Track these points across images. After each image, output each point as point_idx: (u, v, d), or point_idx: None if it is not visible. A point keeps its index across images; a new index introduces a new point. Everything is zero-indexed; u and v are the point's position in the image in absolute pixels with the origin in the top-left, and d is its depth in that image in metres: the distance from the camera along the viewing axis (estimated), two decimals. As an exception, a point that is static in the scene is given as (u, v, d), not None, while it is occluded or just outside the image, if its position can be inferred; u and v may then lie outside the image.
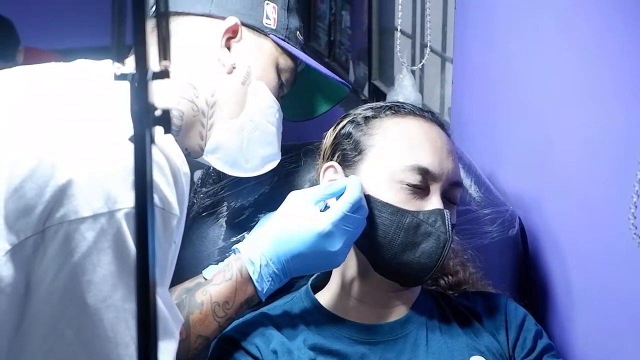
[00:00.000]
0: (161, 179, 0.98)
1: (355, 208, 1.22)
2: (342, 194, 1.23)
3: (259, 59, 1.26)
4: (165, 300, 1.03)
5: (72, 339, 0.95)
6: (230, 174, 1.29)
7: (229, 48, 1.24)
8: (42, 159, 0.96)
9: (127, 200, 0.95)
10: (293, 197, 1.26)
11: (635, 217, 1.14)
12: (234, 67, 1.24)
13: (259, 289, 1.22)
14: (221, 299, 1.20)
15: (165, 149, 1.00)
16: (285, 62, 1.30)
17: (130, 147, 0.97)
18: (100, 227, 0.94)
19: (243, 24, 1.25)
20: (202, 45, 1.23)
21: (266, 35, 1.27)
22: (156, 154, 1.04)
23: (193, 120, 1.22)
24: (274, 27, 1.28)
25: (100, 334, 0.95)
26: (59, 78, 1.12)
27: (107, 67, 1.17)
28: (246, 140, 1.26)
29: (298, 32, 1.33)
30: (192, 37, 1.23)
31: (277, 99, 1.29)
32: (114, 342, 0.95)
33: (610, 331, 1.35)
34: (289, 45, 1.29)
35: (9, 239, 0.94)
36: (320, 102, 1.44)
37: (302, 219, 1.22)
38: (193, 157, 1.25)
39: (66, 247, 0.94)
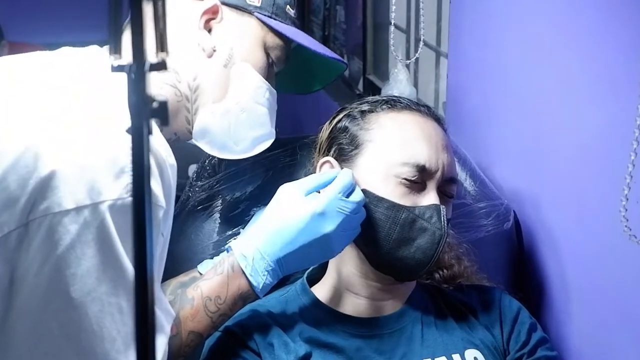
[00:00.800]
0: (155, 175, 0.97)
1: (347, 193, 1.21)
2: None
3: (243, 39, 1.22)
4: (155, 294, 1.02)
5: (58, 332, 0.94)
6: (220, 156, 1.26)
7: (209, 30, 1.20)
8: (25, 150, 0.94)
9: (111, 192, 0.94)
10: (284, 189, 1.24)
11: (626, 210, 1.15)
12: (214, 50, 1.20)
13: (254, 283, 1.18)
14: (213, 294, 1.17)
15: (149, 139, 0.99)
16: (273, 40, 1.25)
17: (115, 137, 0.97)
18: (84, 220, 0.93)
19: (224, 3, 1.21)
20: (182, 28, 1.19)
21: (250, 13, 1.23)
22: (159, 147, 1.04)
23: (178, 106, 1.19)
24: (259, 5, 1.23)
25: (86, 328, 0.94)
26: (44, 67, 1.10)
27: (92, 55, 1.15)
28: (233, 122, 1.23)
29: (288, 7, 1.28)
30: (171, 19, 1.20)
31: (268, 77, 1.25)
32: (99, 336, 0.94)
33: (604, 323, 1.35)
34: (276, 23, 1.25)
35: None
36: (317, 77, 1.40)
37: (293, 207, 1.20)
38: (184, 141, 1.23)
39: (50, 240, 0.92)
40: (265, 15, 1.24)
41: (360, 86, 2.95)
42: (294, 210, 1.19)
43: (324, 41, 3.44)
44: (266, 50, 1.25)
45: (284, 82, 1.31)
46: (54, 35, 3.94)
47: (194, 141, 1.23)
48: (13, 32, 3.41)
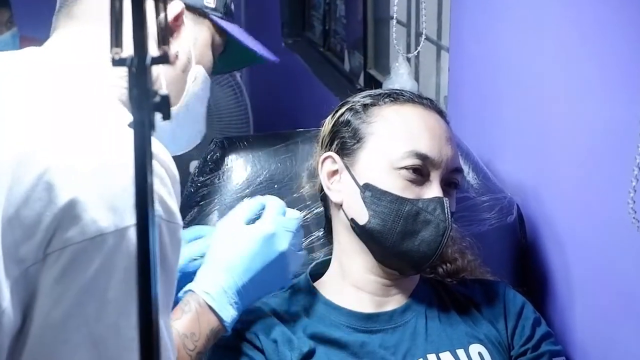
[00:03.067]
0: (163, 190, 0.92)
1: (283, 212, 1.23)
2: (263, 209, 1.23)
3: (197, 42, 1.17)
4: (168, 328, 0.97)
5: None
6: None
7: (172, 34, 1.13)
8: (37, 181, 0.87)
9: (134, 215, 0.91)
10: (223, 224, 1.23)
11: (634, 202, 1.14)
12: (176, 57, 1.14)
13: (223, 317, 1.15)
14: (188, 331, 1.13)
15: (161, 156, 0.94)
16: (219, 39, 1.21)
17: (129, 155, 0.93)
18: (108, 248, 0.87)
19: (186, 6, 1.14)
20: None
21: (206, 16, 1.17)
22: (154, 164, 1.00)
23: None
24: (214, 6, 1.18)
25: None
26: (37, 66, 1.03)
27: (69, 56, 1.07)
28: (179, 125, 1.17)
29: (232, 3, 1.23)
30: None
31: (210, 76, 1.22)
32: None
33: (608, 317, 1.35)
34: (226, 24, 1.20)
35: (9, 270, 0.87)
36: (231, 61, 1.34)
37: (242, 235, 1.19)
38: None
39: (72, 270, 0.87)
40: (218, 16, 1.19)
41: (361, 81, 2.94)
42: (244, 237, 1.19)
43: (325, 36, 3.43)
44: (213, 50, 1.21)
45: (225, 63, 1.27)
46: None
47: None
48: (27, 27, 3.41)
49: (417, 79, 2.48)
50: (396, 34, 2.10)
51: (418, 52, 2.28)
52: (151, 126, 0.66)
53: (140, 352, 0.63)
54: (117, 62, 0.67)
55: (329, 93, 2.99)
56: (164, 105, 0.67)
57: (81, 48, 1.08)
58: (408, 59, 2.24)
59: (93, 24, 1.07)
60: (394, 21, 2.10)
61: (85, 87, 1.01)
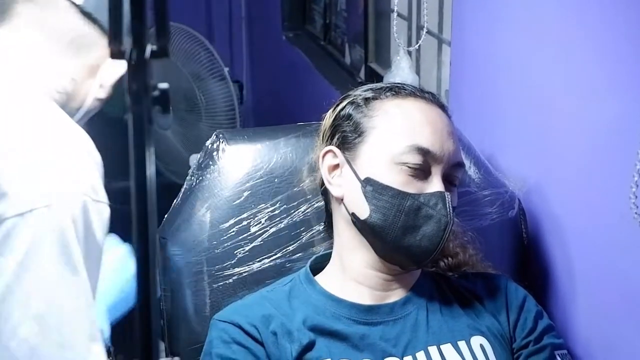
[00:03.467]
0: (95, 171, 0.95)
1: None
2: None
3: None
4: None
5: (18, 347, 0.89)
6: None
7: None
8: None
9: (67, 193, 0.91)
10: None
11: (636, 197, 1.14)
12: None
13: None
14: None
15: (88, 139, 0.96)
16: None
17: (63, 133, 0.94)
18: (38, 222, 0.89)
19: None
20: None
21: None
22: (91, 145, 1.01)
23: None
24: None
25: (49, 337, 0.90)
26: None
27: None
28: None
29: None
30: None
31: None
32: (61, 344, 0.91)
33: (610, 311, 1.35)
34: None
35: None
36: None
37: None
38: None
39: (5, 247, 0.89)
40: None
41: (362, 74, 2.93)
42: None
43: (325, 30, 3.43)
44: None
45: None
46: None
47: None
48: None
49: (418, 72, 2.47)
50: (397, 27, 2.09)
51: (419, 46, 2.27)
52: (150, 120, 0.65)
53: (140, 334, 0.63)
54: (116, 56, 0.66)
55: (330, 87, 2.98)
56: (163, 99, 0.67)
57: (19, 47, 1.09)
58: (409, 53, 2.23)
59: (28, 27, 1.08)
60: (395, 14, 2.09)
61: (19, 83, 1.03)
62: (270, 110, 3.93)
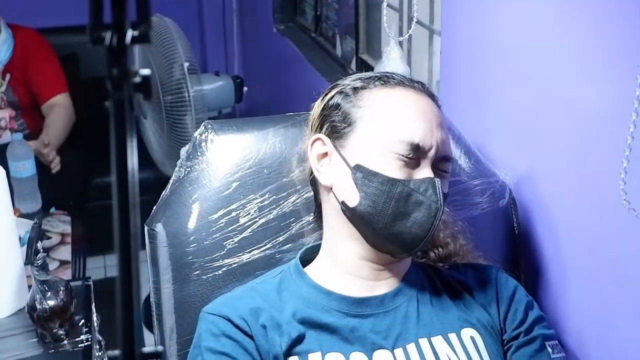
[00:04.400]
0: None
1: None
2: None
3: None
4: None
5: None
6: None
7: None
8: None
9: None
10: None
11: (625, 183, 1.13)
12: None
13: None
14: None
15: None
16: None
17: None
18: None
19: None
20: None
21: None
22: None
23: None
24: None
25: None
26: None
27: None
28: None
29: None
30: None
31: None
32: None
33: (603, 301, 1.34)
34: None
35: None
36: None
37: None
38: None
39: None
40: None
41: (353, 66, 2.92)
42: None
43: (316, 22, 3.41)
44: None
45: None
46: (50, 18, 3.91)
47: None
48: (9, 15, 3.39)
49: (409, 63, 2.46)
50: (388, 18, 2.08)
51: (410, 37, 2.26)
52: (131, 107, 0.64)
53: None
54: (96, 41, 0.65)
55: (321, 79, 2.97)
56: (145, 86, 0.66)
57: None
58: (400, 44, 2.22)
59: None
60: (385, 4, 2.08)
61: None
62: (261, 103, 3.92)
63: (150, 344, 0.63)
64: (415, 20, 2.02)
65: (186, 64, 2.76)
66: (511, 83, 1.59)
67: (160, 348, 0.62)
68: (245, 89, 3.30)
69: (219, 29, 4.59)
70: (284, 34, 3.66)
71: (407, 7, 2.56)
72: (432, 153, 1.23)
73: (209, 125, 1.45)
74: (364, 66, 2.84)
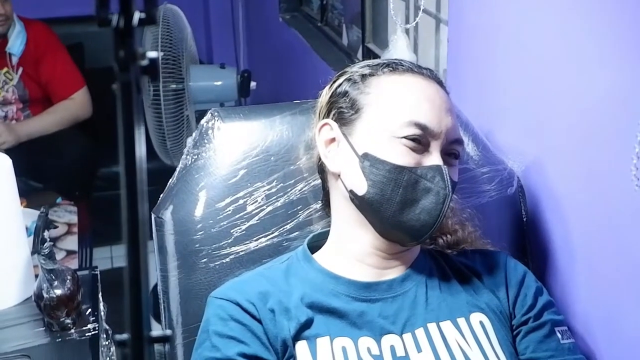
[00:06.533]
0: None
1: None
2: None
3: None
4: None
5: None
6: None
7: None
8: None
9: None
10: None
11: (637, 169, 1.12)
12: None
13: None
14: None
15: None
16: None
17: None
18: None
19: None
20: None
21: None
22: None
23: None
24: None
25: None
26: None
27: None
28: None
29: None
30: None
31: None
32: None
33: (612, 288, 1.34)
34: None
35: None
36: None
37: None
38: None
39: None
40: None
41: (360, 55, 2.91)
42: None
43: (323, 10, 3.40)
44: None
45: None
46: (56, 8, 3.91)
47: None
48: (15, 6, 3.38)
49: (415, 52, 2.45)
50: (394, 7, 2.08)
51: (417, 25, 2.24)
52: (138, 89, 0.64)
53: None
54: (102, 23, 0.64)
55: (328, 68, 2.96)
56: (153, 69, 0.65)
57: None
58: (407, 32, 2.21)
59: None
60: (392, -7, 2.07)
61: None
62: (267, 93, 3.91)
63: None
64: (422, 8, 2.02)
65: (185, 53, 2.76)
66: (519, 71, 1.58)
67: (168, 332, 0.62)
68: (253, 84, 3.30)
69: (225, 20, 4.58)
70: (290, 23, 3.65)
71: (413, -5, 2.55)
72: (440, 138, 1.22)
73: (216, 113, 1.45)
74: (370, 55, 2.83)
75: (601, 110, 1.30)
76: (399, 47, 2.15)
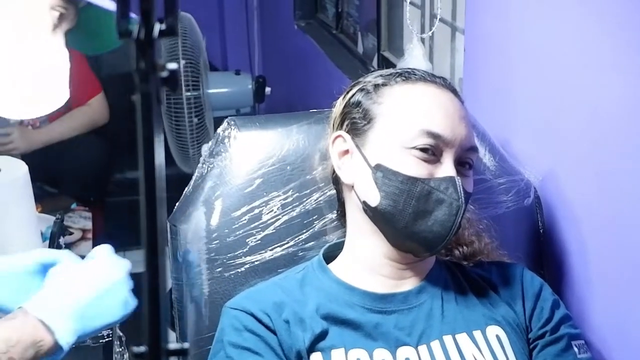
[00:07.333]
0: None
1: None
2: None
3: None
4: None
5: None
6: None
7: None
8: None
9: None
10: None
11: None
12: None
13: (54, 330, 1.05)
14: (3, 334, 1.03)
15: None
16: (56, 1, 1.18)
17: None
18: None
19: None
20: None
21: None
22: None
23: None
24: None
25: None
26: None
27: None
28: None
29: None
30: None
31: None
32: None
33: (628, 303, 1.33)
34: None
35: None
36: (108, 37, 1.30)
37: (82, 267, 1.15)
38: None
39: None
40: None
41: (375, 63, 2.91)
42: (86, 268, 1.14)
43: (338, 18, 3.40)
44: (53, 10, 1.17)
45: (76, 41, 1.23)
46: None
47: None
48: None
49: (431, 60, 2.45)
50: (410, 14, 2.07)
51: (433, 34, 2.24)
52: (158, 100, 0.64)
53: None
54: (123, 34, 0.65)
55: (343, 76, 2.96)
56: (172, 80, 0.65)
57: None
58: (422, 41, 2.21)
59: None
60: (408, 2, 2.07)
61: None
62: (282, 100, 3.91)
63: (171, 340, 0.62)
64: (438, 17, 2.01)
65: (200, 61, 2.76)
66: (535, 81, 1.57)
67: (186, 345, 0.61)
68: (268, 89, 3.30)
69: (240, 27, 4.58)
70: (305, 30, 3.65)
71: (429, 4, 2.55)
72: (454, 147, 1.21)
73: (232, 122, 1.45)
74: (385, 63, 2.83)
75: (618, 120, 1.30)
76: (414, 56, 2.14)
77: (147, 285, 0.61)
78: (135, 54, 0.63)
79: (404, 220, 1.20)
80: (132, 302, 1.15)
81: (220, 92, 3.18)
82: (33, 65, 1.15)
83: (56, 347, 1.05)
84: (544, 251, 1.53)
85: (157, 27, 0.64)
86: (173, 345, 0.62)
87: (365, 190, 1.23)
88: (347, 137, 1.26)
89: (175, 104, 2.80)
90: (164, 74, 0.65)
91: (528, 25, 1.59)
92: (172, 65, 0.65)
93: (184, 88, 2.78)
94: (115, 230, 2.88)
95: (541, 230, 1.53)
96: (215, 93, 3.11)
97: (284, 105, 3.89)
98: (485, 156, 1.52)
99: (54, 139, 3.33)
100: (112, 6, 1.18)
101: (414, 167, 1.20)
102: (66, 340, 1.06)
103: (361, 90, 1.29)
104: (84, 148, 3.36)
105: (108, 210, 3.30)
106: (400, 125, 1.22)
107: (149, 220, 0.62)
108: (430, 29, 2.16)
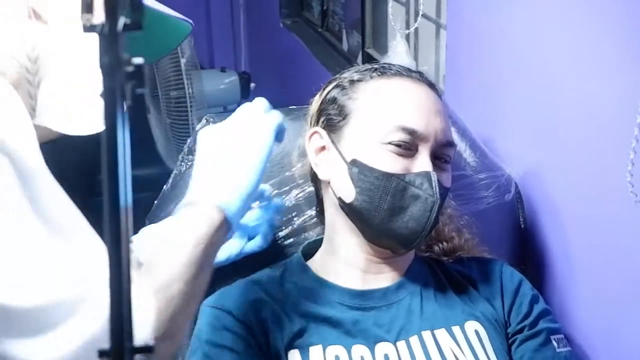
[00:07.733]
0: None
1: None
2: None
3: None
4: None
5: None
6: (68, 133, 1.17)
7: None
8: None
9: None
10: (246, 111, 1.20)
11: (632, 175, 1.12)
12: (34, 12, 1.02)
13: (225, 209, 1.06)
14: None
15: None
16: None
17: None
18: None
19: None
20: None
21: None
22: None
23: (17, 78, 1.04)
24: None
25: None
26: None
27: None
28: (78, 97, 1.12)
29: None
30: None
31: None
32: None
33: (611, 296, 1.33)
34: None
35: None
36: (164, 41, 1.27)
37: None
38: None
39: None
40: None
41: (360, 60, 2.91)
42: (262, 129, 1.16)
43: (323, 16, 3.40)
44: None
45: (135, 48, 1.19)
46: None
47: (36, 119, 1.10)
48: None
49: (415, 57, 2.44)
50: (393, 11, 2.07)
51: (417, 31, 2.24)
52: (123, 95, 0.63)
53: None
54: (88, 29, 0.64)
55: (328, 73, 2.96)
56: (139, 75, 0.64)
57: None
58: (407, 38, 2.20)
59: None
60: (391, 1, 2.07)
61: None
62: (268, 98, 3.91)
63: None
64: (421, 13, 2.01)
65: (183, 60, 2.75)
66: (518, 77, 1.57)
67: (152, 342, 0.61)
68: (252, 85, 3.29)
69: (226, 25, 4.58)
70: (291, 28, 3.64)
71: (413, 0, 2.54)
72: (429, 142, 1.20)
73: (211, 119, 1.44)
74: (370, 60, 2.83)
75: (599, 117, 1.30)
76: (398, 53, 2.14)
77: (110, 283, 0.61)
78: (99, 49, 0.62)
79: (379, 216, 1.19)
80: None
81: (206, 90, 3.17)
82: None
83: (229, 228, 1.07)
84: (525, 246, 1.53)
85: (122, 21, 0.63)
86: (138, 342, 0.61)
87: (340, 186, 1.23)
88: (324, 133, 1.26)
89: (170, 103, 2.79)
90: (130, 68, 0.64)
91: (511, 21, 1.59)
92: (137, 60, 0.65)
93: (186, 86, 2.78)
94: (98, 229, 2.86)
95: (522, 226, 1.53)
96: (201, 91, 3.10)
97: (270, 102, 3.89)
98: (465, 152, 1.52)
99: (42, 137, 3.31)
100: (164, 9, 1.17)
101: (390, 162, 1.19)
102: (236, 220, 1.08)
103: (337, 86, 1.28)
104: (68, 148, 3.34)
105: (91, 210, 3.28)
106: (375, 121, 1.21)
107: (112, 215, 0.61)
108: (414, 25, 2.15)
